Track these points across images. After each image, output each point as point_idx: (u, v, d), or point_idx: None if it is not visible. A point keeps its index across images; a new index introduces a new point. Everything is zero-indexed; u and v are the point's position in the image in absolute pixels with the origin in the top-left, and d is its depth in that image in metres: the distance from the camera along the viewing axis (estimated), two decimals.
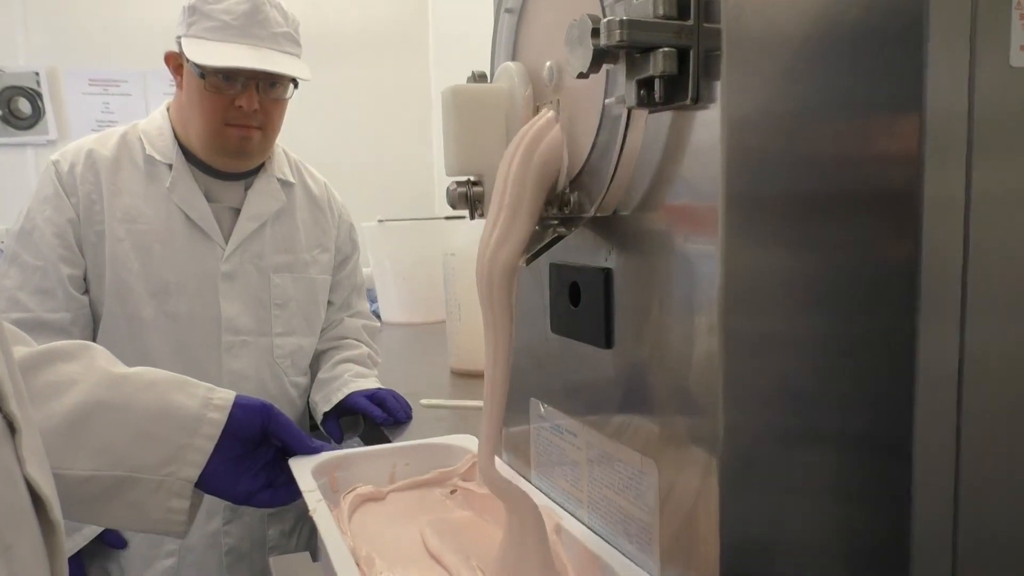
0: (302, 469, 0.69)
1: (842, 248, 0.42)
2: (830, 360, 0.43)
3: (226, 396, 0.71)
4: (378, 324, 1.54)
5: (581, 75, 0.45)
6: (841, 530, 0.43)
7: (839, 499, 0.43)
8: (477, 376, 1.52)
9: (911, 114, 0.38)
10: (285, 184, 1.37)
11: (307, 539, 1.41)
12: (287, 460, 0.73)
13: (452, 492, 0.71)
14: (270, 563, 0.90)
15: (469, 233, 2.12)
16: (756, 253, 0.43)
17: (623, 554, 0.52)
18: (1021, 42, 0.38)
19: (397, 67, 2.87)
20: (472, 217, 0.57)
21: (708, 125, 0.42)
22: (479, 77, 0.59)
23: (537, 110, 0.55)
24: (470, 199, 0.56)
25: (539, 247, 0.53)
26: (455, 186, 0.57)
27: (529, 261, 0.53)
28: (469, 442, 0.74)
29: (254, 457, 0.73)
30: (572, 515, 0.59)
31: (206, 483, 0.69)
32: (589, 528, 0.56)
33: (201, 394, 0.70)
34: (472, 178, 0.57)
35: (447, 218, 2.19)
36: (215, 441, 0.69)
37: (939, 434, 0.41)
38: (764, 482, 0.44)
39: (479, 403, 1.32)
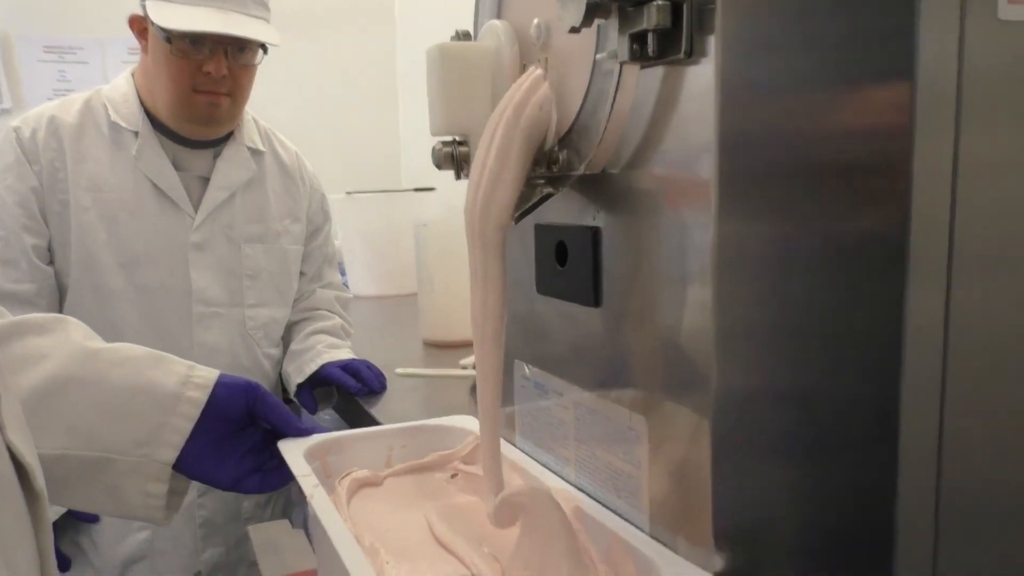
0: (293, 452, 0.65)
1: (833, 211, 0.43)
2: (821, 324, 0.44)
3: (208, 375, 0.68)
4: (350, 295, 1.53)
5: (573, 29, 0.45)
6: (829, 490, 0.44)
7: (828, 459, 0.44)
8: (450, 347, 1.52)
9: (903, 73, 0.39)
10: (255, 153, 1.34)
11: (282, 510, 1.41)
12: (276, 443, 0.69)
13: (453, 476, 0.68)
14: (249, 531, 0.90)
15: (440, 204, 2.11)
16: (749, 214, 0.43)
17: (620, 515, 0.52)
18: None
19: (363, 38, 2.83)
20: (458, 177, 0.56)
21: (701, 80, 0.42)
22: (463, 36, 0.59)
23: (524, 68, 0.54)
24: (456, 159, 0.56)
25: (528, 205, 0.53)
26: (441, 146, 0.56)
27: (518, 220, 0.52)
28: (469, 423, 0.71)
29: (240, 439, 0.69)
30: (559, 475, 0.59)
31: (187, 467, 0.66)
32: (577, 487, 0.57)
33: (181, 372, 0.67)
34: (458, 138, 0.56)
35: (416, 190, 2.18)
36: (194, 422, 0.65)
37: (925, 396, 0.42)
38: (754, 440, 0.45)
39: (455, 372, 1.33)
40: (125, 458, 0.64)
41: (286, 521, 0.90)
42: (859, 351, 0.43)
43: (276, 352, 1.38)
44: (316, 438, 0.68)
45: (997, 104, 0.41)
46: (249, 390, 0.69)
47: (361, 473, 0.67)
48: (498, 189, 0.50)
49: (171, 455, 0.65)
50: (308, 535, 0.86)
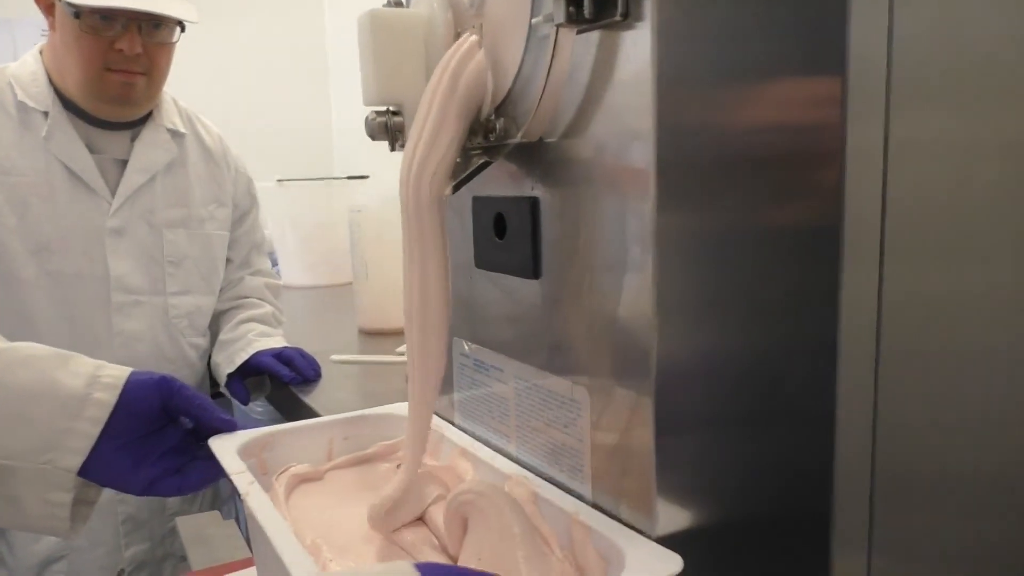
0: (226, 449, 0.60)
1: (772, 190, 0.43)
2: (761, 299, 0.44)
3: (117, 373, 0.63)
4: (280, 281, 1.49)
5: None
6: (770, 459, 0.45)
7: (768, 430, 0.45)
8: (386, 334, 1.50)
9: (836, 51, 0.39)
10: (175, 135, 1.29)
11: (211, 502, 1.37)
12: (198, 441, 0.65)
13: (399, 466, 0.63)
14: (177, 523, 0.86)
15: (374, 192, 2.08)
16: (689, 184, 0.43)
17: (562, 486, 0.52)
18: None
19: (290, 18, 2.76)
20: (393, 148, 0.55)
21: (638, 44, 0.42)
22: (395, 3, 0.57)
23: (458, 36, 0.53)
24: (390, 129, 0.54)
25: (465, 175, 0.51)
26: (374, 116, 0.54)
27: (456, 189, 0.51)
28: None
29: (157, 440, 0.65)
30: (499, 451, 0.58)
31: (95, 473, 0.61)
32: (517, 461, 0.56)
33: (87, 371, 0.62)
34: (392, 108, 0.55)
35: (349, 177, 2.14)
36: (101, 425, 0.61)
37: (860, 372, 0.42)
38: (696, 410, 0.45)
39: (391, 358, 1.30)
40: (26, 466, 0.59)
41: (216, 512, 0.87)
42: (798, 328, 0.43)
43: (202, 342, 1.34)
44: (251, 433, 0.63)
45: (925, 79, 0.42)
46: (163, 385, 0.64)
47: (300, 468, 0.63)
48: (432, 158, 0.48)
49: (76, 461, 0.60)
50: (240, 527, 0.83)
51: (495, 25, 0.50)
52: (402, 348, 1.31)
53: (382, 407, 0.69)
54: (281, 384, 1.21)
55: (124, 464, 0.62)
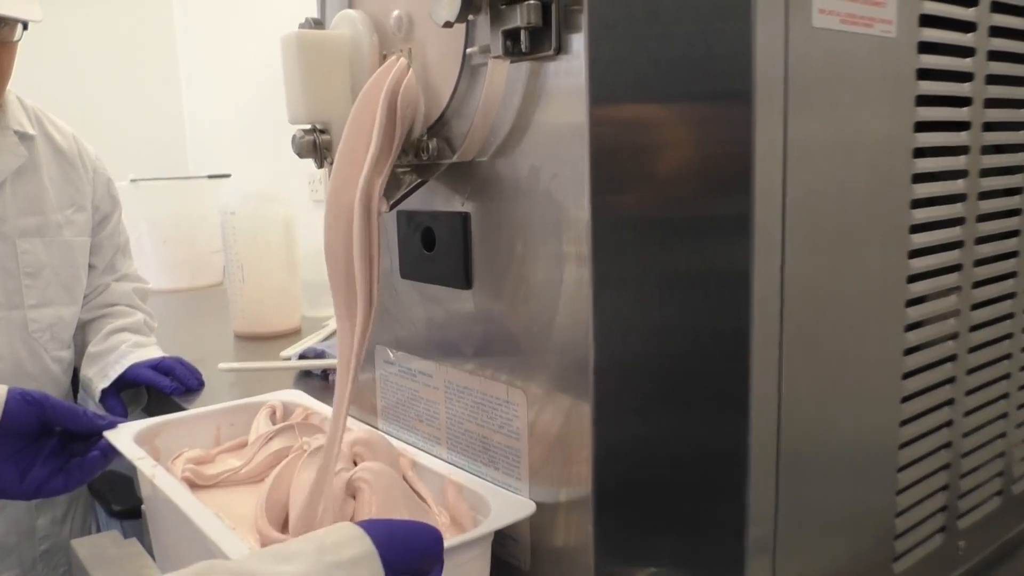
0: (123, 439, 0.65)
1: (693, 192, 0.49)
2: (686, 291, 0.49)
3: None
4: (149, 285, 1.42)
5: (447, 24, 0.47)
6: (694, 439, 0.50)
7: (693, 408, 0.50)
8: (264, 338, 1.47)
9: (743, 66, 0.45)
10: (24, 137, 1.20)
11: (80, 525, 1.30)
12: (72, 441, 0.71)
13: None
14: (72, 546, 0.82)
15: (237, 192, 2.01)
16: (620, 192, 0.48)
17: (483, 478, 0.55)
18: (820, 6, 0.46)
19: (137, 12, 2.60)
20: (320, 165, 0.56)
21: (571, 71, 0.46)
22: (316, 24, 0.58)
23: (384, 59, 0.55)
24: (319, 147, 0.55)
25: (402, 193, 0.54)
26: (303, 134, 0.55)
27: (393, 207, 0.53)
28: (297, 397, 0.74)
29: (36, 448, 0.69)
30: (430, 453, 0.61)
31: None
32: (448, 462, 0.59)
33: None
34: (319, 126, 0.56)
35: (210, 176, 2.06)
36: None
37: (767, 354, 0.49)
38: (628, 400, 0.49)
39: (283, 364, 1.28)
40: None
41: (115, 532, 0.83)
42: (715, 314, 0.49)
43: (66, 354, 1.26)
44: (142, 423, 0.69)
45: (813, 95, 0.49)
46: (38, 403, 0.69)
47: (193, 452, 0.67)
48: (378, 173, 0.50)
49: None
50: (143, 543, 0.81)
51: (425, 50, 0.53)
52: (287, 352, 1.29)
53: (266, 394, 0.76)
54: (162, 395, 1.16)
55: (10, 475, 0.67)
